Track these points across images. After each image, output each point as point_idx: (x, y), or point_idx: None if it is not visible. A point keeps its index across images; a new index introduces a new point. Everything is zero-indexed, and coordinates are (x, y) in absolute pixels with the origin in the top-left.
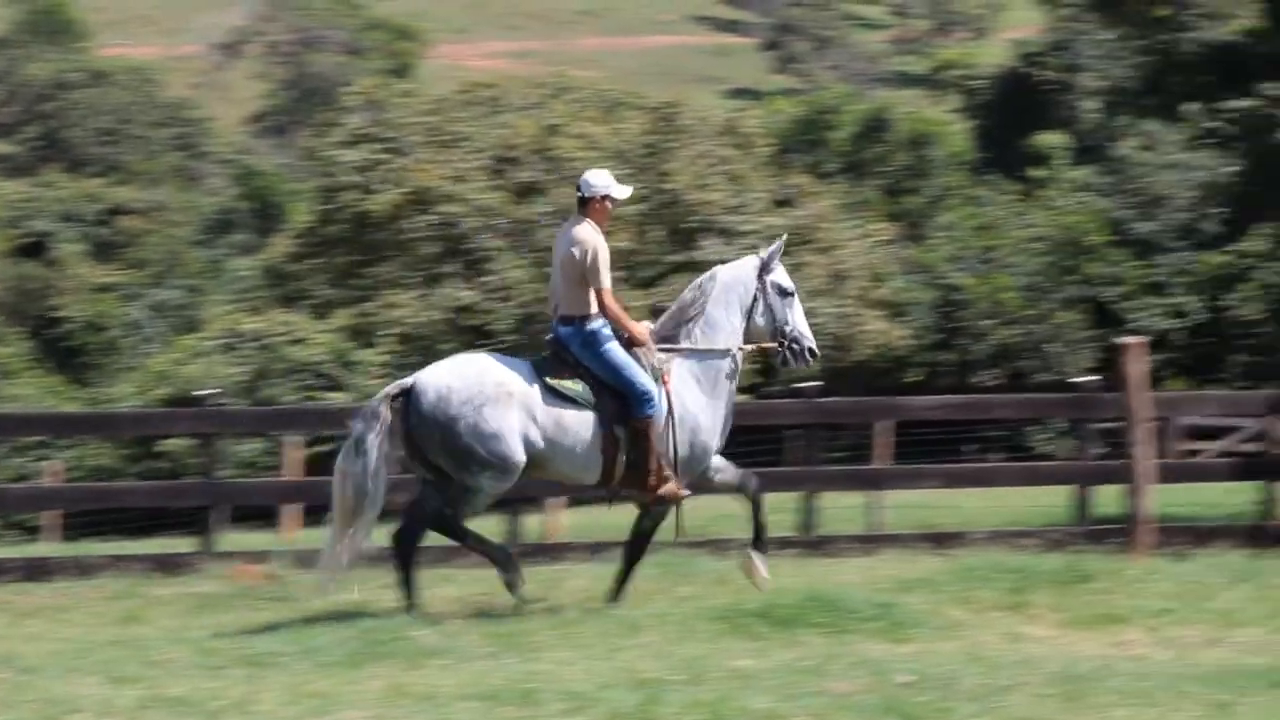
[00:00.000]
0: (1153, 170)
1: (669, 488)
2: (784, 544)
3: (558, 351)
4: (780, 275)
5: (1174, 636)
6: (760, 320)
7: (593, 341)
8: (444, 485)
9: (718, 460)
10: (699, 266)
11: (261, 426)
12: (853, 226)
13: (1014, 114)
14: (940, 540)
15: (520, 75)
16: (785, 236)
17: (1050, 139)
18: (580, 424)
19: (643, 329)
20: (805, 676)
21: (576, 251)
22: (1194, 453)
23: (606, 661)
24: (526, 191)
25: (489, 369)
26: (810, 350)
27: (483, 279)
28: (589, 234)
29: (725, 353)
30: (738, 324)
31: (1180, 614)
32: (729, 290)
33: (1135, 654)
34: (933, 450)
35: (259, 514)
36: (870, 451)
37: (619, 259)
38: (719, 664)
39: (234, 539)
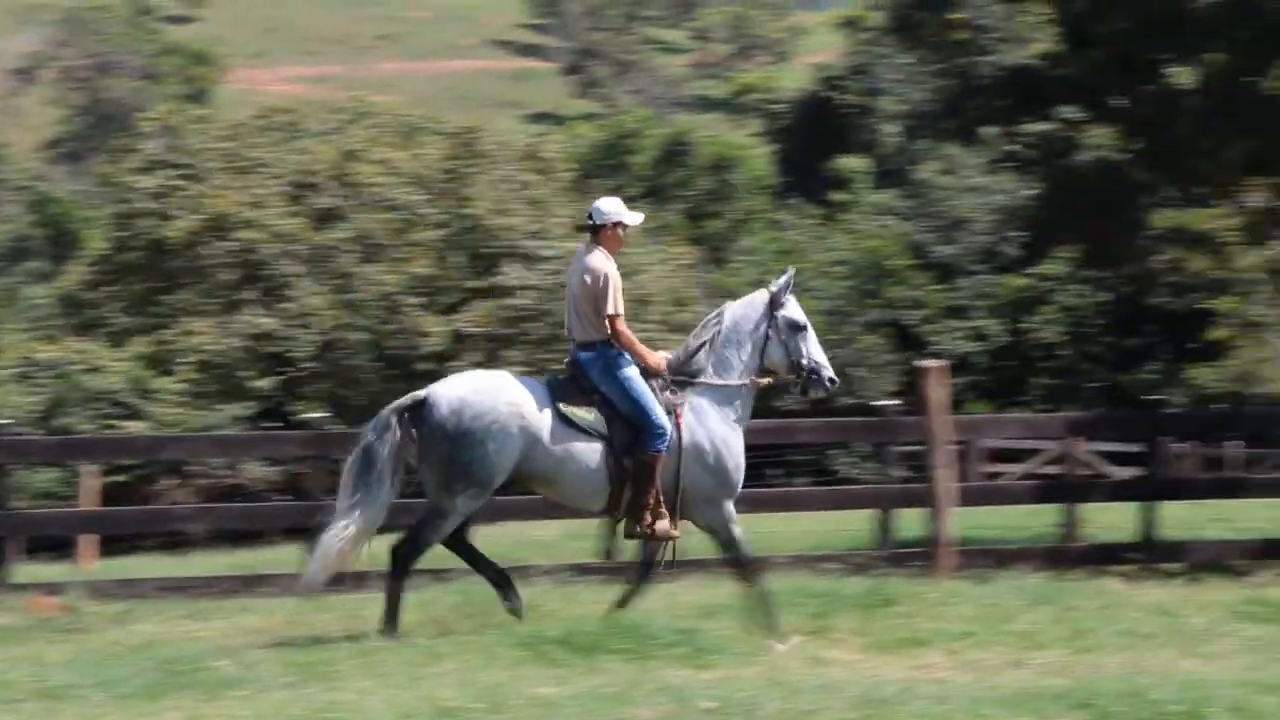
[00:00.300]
0: (953, 194)
1: (663, 526)
2: (585, 570)
3: (575, 376)
4: (792, 310)
5: (975, 659)
6: (775, 356)
7: (614, 367)
8: None
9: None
10: (500, 292)
11: (57, 456)
12: (654, 251)
13: (815, 138)
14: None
15: (318, 100)
16: (793, 270)
17: (851, 163)
18: (588, 452)
19: (659, 359)
20: (607, 704)
21: (589, 279)
22: (996, 475)
23: (408, 690)
24: (326, 217)
25: (504, 388)
26: (830, 379)
27: (282, 305)
28: (600, 261)
29: (739, 387)
30: (750, 361)
31: (981, 636)
32: (738, 329)
33: (937, 677)
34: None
35: (55, 545)
36: None
37: (420, 285)
38: (520, 692)
39: (29, 571)
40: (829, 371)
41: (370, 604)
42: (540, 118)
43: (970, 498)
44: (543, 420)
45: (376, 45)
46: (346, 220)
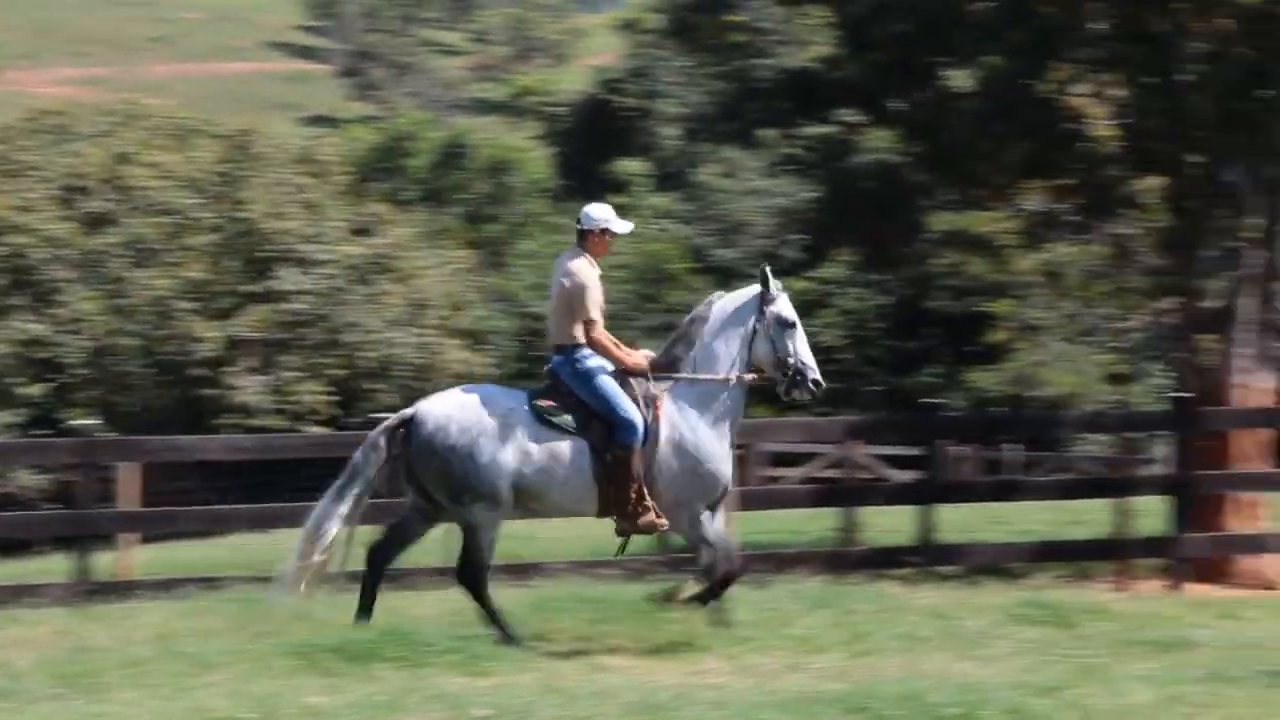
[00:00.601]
0: (733, 197)
1: (648, 518)
2: (361, 578)
3: (554, 382)
4: (782, 306)
5: (753, 664)
6: (761, 351)
7: (581, 370)
8: (433, 515)
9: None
10: (276, 297)
11: None
12: (432, 254)
13: (594, 141)
14: (519, 571)
15: (89, 102)
16: (766, 265)
17: (631, 166)
18: (574, 454)
19: (639, 358)
20: (380, 712)
21: (567, 282)
22: (776, 479)
23: (176, 701)
24: (97, 222)
25: (488, 400)
26: (814, 381)
27: (52, 311)
28: (581, 266)
29: (724, 382)
30: (736, 354)
31: (760, 641)
32: (727, 321)
33: (714, 683)
34: None
35: None
36: None
37: (193, 289)
38: (292, 701)
39: None
40: (814, 373)
41: (140, 613)
42: (316, 121)
43: (750, 502)
44: (528, 429)
45: (149, 47)
46: (118, 224)
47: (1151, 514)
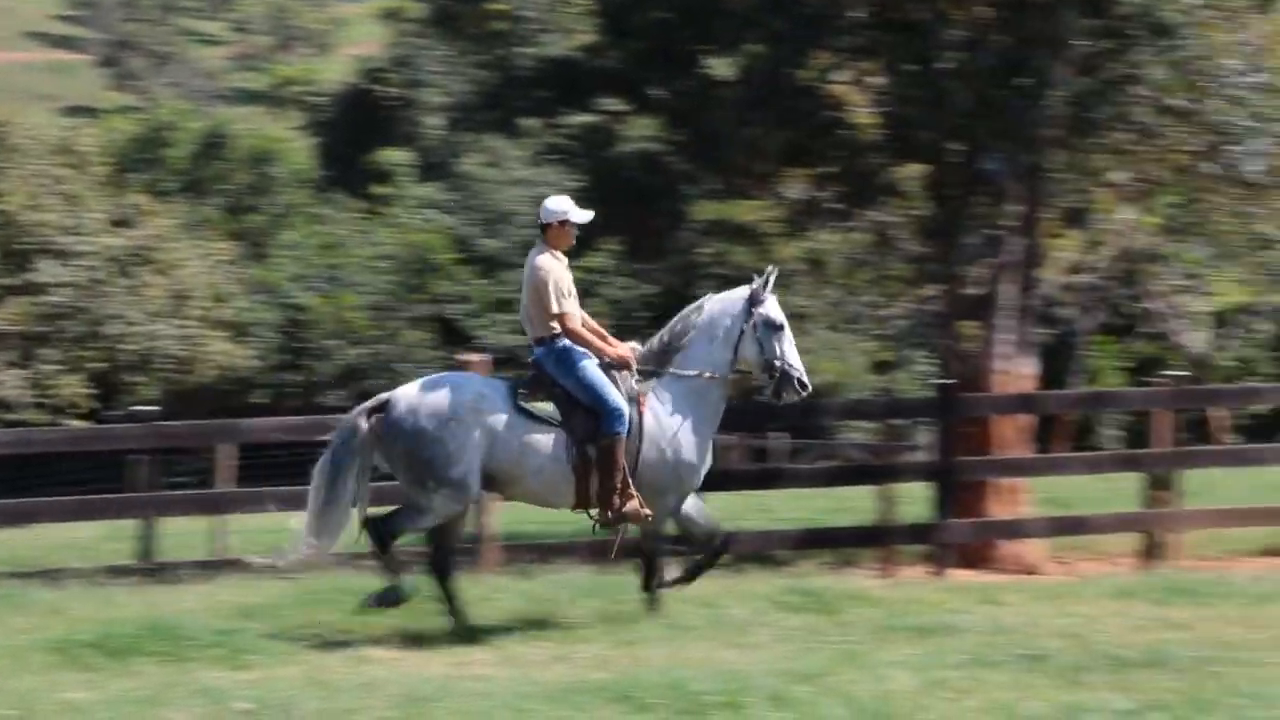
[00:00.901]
0: (497, 187)
1: (632, 506)
2: (122, 572)
3: (537, 374)
4: (771, 308)
5: (518, 654)
6: (749, 352)
7: (565, 359)
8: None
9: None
10: (34, 290)
11: None
12: (193, 246)
13: (357, 131)
14: None
15: None
16: (775, 269)
17: (394, 156)
18: (549, 445)
19: (624, 350)
20: (140, 707)
21: (532, 278)
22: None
23: None
24: None
25: (462, 386)
26: (800, 381)
27: None
28: (544, 260)
29: (710, 380)
30: (723, 355)
31: (524, 632)
32: (715, 323)
33: (479, 673)
34: (279, 472)
35: None
36: (213, 475)
37: None
38: (50, 697)
39: None
40: (800, 374)
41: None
42: (75, 111)
43: None
44: (501, 417)
45: None
46: None
47: (915, 500)
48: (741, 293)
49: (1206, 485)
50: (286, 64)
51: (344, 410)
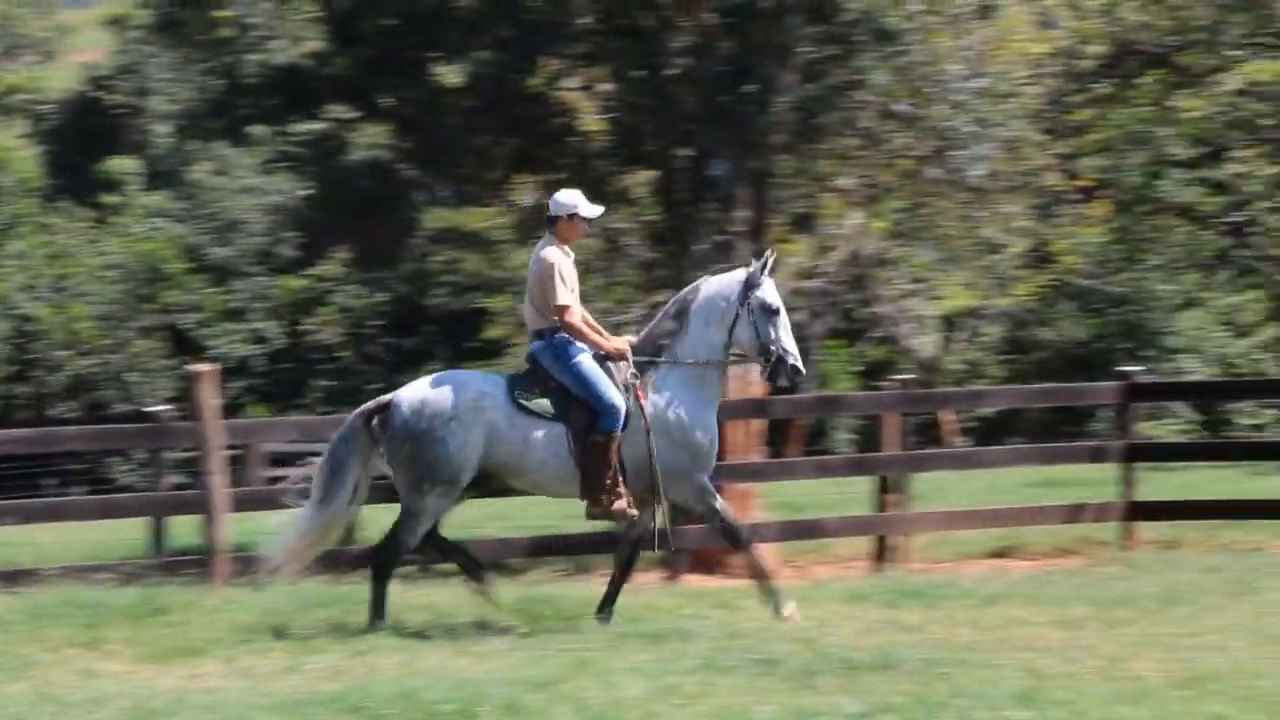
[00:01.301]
0: (227, 195)
1: (619, 504)
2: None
3: (533, 367)
4: (767, 292)
5: (250, 666)
6: (744, 336)
7: (562, 354)
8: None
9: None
10: None
11: None
12: None
13: (84, 139)
14: (12, 578)
15: None
16: (773, 253)
17: (122, 164)
18: (550, 440)
19: (620, 343)
20: None
21: (537, 269)
22: (278, 479)
23: None
24: None
25: (463, 385)
26: (794, 367)
27: None
28: (550, 253)
29: (706, 365)
30: (719, 338)
31: (257, 643)
32: (710, 305)
33: (209, 686)
34: (9, 486)
35: None
36: None
37: None
38: None
39: None
40: (794, 359)
41: None
42: None
43: (248, 503)
44: (502, 413)
45: None
46: None
47: None
48: (738, 275)
49: (936, 488)
50: (11, 72)
51: (72, 422)
